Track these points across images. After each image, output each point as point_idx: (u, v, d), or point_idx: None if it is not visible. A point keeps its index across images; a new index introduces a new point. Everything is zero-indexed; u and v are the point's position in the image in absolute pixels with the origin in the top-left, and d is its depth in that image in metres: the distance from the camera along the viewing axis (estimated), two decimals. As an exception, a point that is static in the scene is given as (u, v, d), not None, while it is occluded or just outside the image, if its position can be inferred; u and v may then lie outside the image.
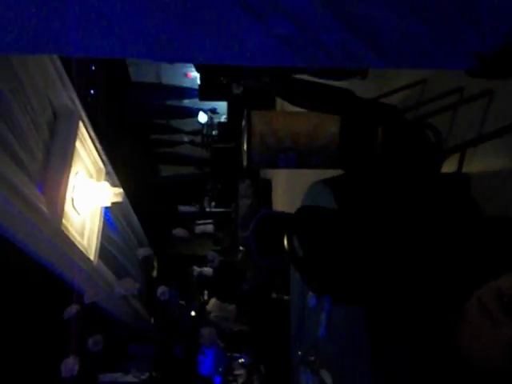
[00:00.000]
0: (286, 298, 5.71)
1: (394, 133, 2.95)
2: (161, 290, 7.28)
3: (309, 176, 3.44)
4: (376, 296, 1.77)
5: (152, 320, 8.44)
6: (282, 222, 2.51)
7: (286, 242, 1.89)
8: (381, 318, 1.74)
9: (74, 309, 4.77)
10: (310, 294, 2.46)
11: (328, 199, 2.19)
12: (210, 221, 12.59)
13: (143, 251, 7.72)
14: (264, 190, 9.97)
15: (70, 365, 4.73)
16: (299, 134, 3.29)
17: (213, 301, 8.22)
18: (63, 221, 4.14)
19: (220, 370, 6.89)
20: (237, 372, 6.89)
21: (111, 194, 5.11)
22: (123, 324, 7.23)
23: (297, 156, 3.29)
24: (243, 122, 3.48)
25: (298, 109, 3.35)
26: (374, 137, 2.96)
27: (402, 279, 1.72)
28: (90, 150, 5.06)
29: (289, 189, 7.95)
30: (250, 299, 6.78)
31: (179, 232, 9.30)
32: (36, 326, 5.04)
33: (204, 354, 6.79)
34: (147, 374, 7.29)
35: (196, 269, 9.80)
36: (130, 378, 7.22)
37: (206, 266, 9.50)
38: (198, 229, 12.28)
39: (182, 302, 8.79)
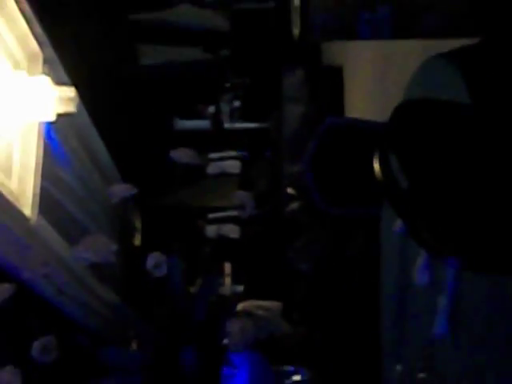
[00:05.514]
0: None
1: None
2: (153, 259, 4.69)
3: (414, 57, 2.17)
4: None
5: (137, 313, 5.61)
6: (366, 136, 1.64)
7: (376, 166, 1.24)
8: None
9: (4, 291, 3.03)
10: (420, 261, 1.57)
11: (455, 87, 1.40)
12: (232, 153, 7.42)
13: (119, 190, 4.73)
14: (330, 86, 5.62)
15: (6, 381, 3.22)
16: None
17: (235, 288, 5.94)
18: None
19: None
20: None
21: (56, 99, 2.99)
22: (85, 327, 4.73)
23: (393, 13, 2.03)
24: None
25: None
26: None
27: None
28: (13, 19, 3.04)
29: (378, 82, 4.56)
30: (311, 289, 4.50)
31: (183, 154, 5.21)
32: None
33: (232, 364, 4.15)
34: None
35: (210, 228, 6.58)
36: None
37: (227, 223, 6.50)
38: (213, 167, 7.20)
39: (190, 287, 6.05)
